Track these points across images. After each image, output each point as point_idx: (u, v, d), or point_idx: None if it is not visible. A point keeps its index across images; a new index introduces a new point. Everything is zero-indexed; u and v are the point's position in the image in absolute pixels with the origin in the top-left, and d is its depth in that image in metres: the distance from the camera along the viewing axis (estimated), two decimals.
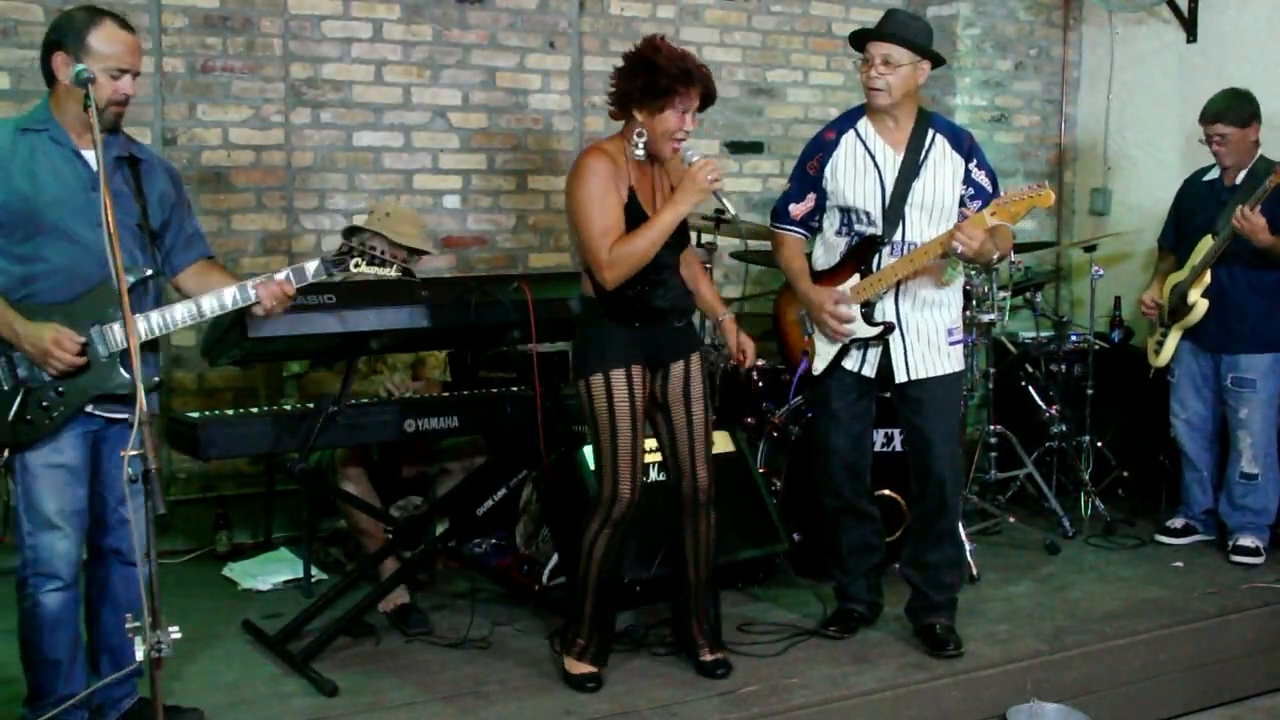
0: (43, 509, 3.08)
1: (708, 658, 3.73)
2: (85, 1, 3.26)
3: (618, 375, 3.51)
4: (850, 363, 3.94)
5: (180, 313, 3.13)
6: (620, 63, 3.50)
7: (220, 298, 3.16)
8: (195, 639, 3.92)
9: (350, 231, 4.48)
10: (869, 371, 3.93)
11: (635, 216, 3.48)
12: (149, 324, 3.10)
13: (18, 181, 3.04)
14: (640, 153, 3.51)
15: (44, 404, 3.05)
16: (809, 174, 3.94)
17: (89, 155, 3.09)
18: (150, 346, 3.22)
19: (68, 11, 3.13)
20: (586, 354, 3.57)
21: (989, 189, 3.85)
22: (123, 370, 3.07)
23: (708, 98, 3.52)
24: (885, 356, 3.90)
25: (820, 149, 3.92)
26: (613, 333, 3.53)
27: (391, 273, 3.33)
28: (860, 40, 3.83)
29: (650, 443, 3.71)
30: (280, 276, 3.19)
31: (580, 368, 3.58)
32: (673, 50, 3.46)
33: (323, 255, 3.27)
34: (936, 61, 3.82)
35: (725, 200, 3.53)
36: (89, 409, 3.10)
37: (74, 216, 3.04)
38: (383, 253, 3.33)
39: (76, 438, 3.12)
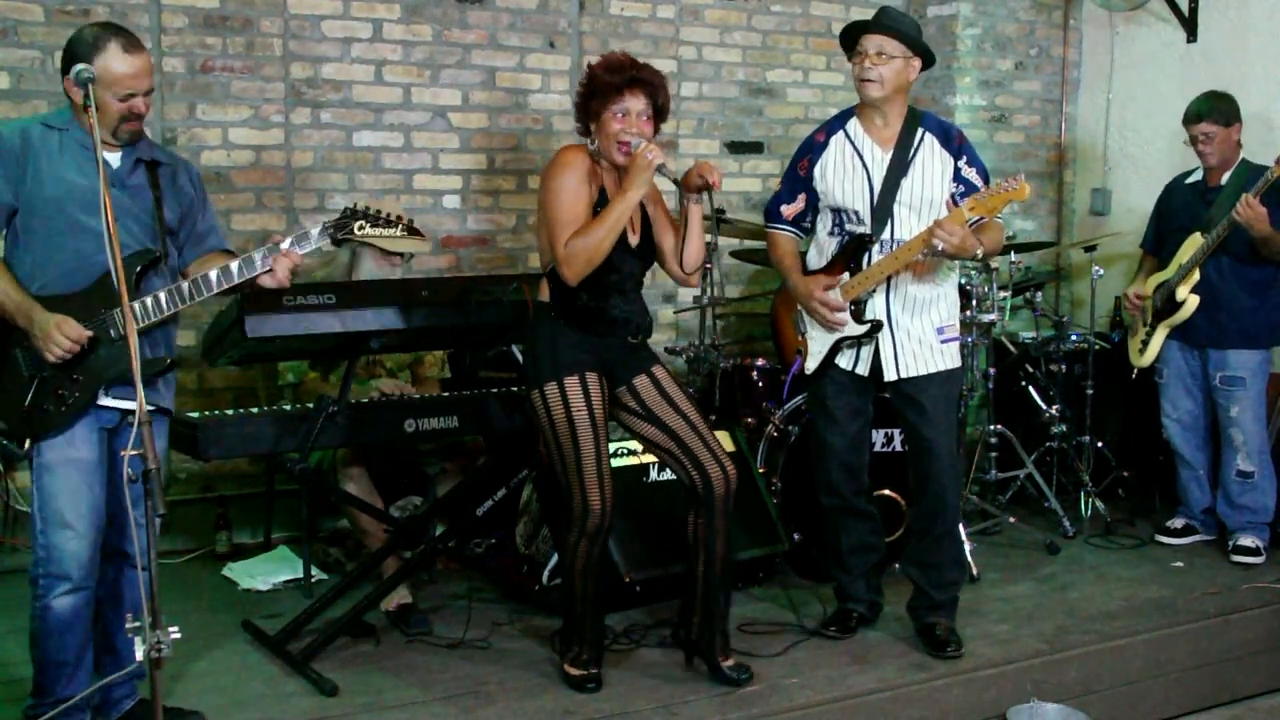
0: (55, 506, 3.09)
1: (729, 664, 3.65)
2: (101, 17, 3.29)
3: (572, 382, 3.45)
4: (844, 361, 3.94)
5: (187, 288, 3.16)
6: None
7: (227, 272, 3.17)
8: (195, 639, 3.92)
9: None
10: (863, 370, 3.93)
11: None
12: (159, 302, 3.13)
13: (42, 173, 3.11)
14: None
15: (60, 392, 3.07)
16: (799, 175, 3.96)
17: (110, 156, 3.17)
18: (168, 324, 3.26)
19: (79, 31, 3.16)
20: (538, 363, 3.50)
21: (979, 186, 3.83)
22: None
23: (656, 100, 3.47)
24: (878, 355, 3.90)
25: (810, 150, 3.94)
26: (563, 339, 3.48)
27: (397, 233, 3.32)
28: (852, 36, 3.83)
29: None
30: (285, 245, 3.21)
31: (533, 378, 3.51)
32: (621, 60, 3.47)
33: (324, 220, 3.27)
34: (927, 60, 3.83)
35: (667, 173, 3.41)
36: (102, 400, 3.11)
37: (89, 210, 3.08)
38: (388, 215, 3.32)
39: (90, 432, 3.12)
